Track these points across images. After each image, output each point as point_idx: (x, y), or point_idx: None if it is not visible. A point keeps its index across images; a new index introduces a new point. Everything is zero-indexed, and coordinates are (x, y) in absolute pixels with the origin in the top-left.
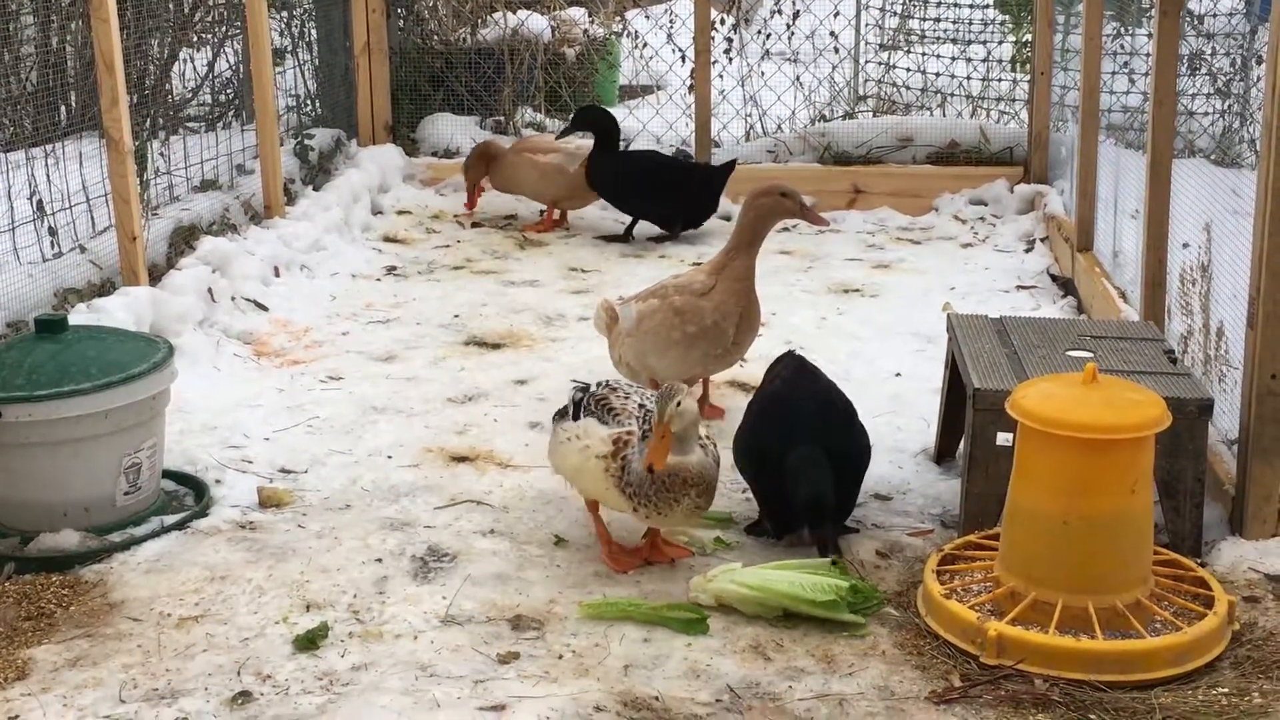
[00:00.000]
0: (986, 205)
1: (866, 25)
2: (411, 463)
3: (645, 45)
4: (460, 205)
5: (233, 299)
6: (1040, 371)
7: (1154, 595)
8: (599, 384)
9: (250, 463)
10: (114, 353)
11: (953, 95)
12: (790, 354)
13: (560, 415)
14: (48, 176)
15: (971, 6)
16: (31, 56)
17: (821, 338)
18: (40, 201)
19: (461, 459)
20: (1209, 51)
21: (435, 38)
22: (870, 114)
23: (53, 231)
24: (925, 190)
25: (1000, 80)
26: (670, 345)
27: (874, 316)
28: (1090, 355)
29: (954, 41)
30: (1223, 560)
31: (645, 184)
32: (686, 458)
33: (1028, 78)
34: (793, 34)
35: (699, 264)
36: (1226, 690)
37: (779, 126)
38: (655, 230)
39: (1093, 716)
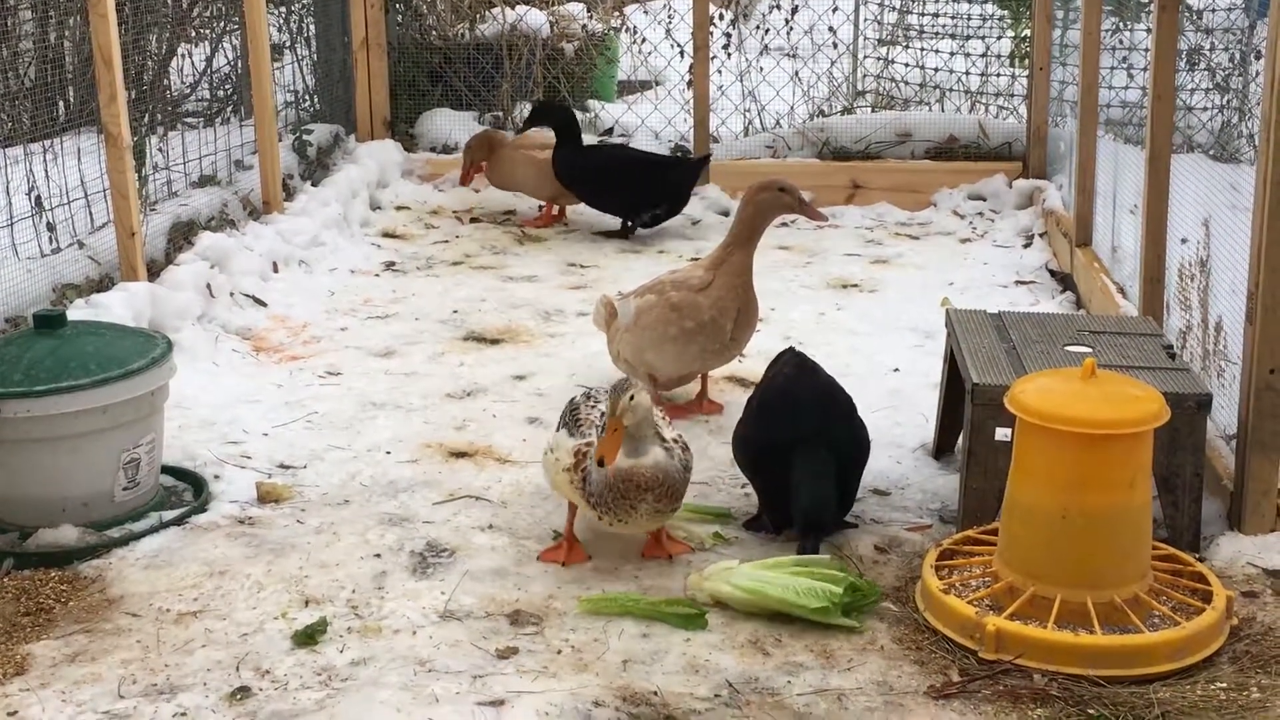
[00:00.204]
0: (985, 200)
1: (865, 20)
2: (410, 458)
3: (644, 40)
4: (459, 201)
5: (231, 295)
6: (1039, 366)
7: (1152, 590)
8: (584, 393)
9: (249, 458)
10: (113, 348)
11: (951, 90)
12: (790, 350)
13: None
14: (46, 172)
15: (970, 1)
16: (30, 52)
17: (820, 333)
18: (39, 197)
19: (460, 454)
20: (1208, 46)
21: (434, 33)
22: (869, 109)
23: (51, 227)
24: (924, 185)
25: (999, 75)
26: (668, 341)
27: (873, 312)
28: (1089, 350)
29: (953, 36)
30: (1221, 555)
31: (605, 178)
32: (640, 460)
33: (1026, 73)
34: (791, 29)
35: (697, 259)
36: (1225, 685)
37: (777, 122)
38: (657, 227)
39: (1091, 711)
